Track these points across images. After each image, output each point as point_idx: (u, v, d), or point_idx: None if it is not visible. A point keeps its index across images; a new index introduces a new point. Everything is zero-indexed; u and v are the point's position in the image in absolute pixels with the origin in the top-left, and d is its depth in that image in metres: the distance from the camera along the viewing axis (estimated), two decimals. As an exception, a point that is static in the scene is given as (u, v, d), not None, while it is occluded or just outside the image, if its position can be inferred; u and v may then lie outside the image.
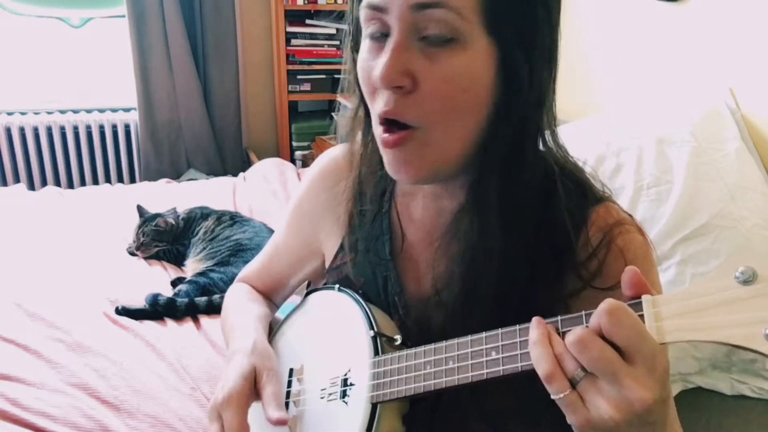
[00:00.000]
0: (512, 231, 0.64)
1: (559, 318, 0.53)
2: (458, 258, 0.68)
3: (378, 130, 0.64)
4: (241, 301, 0.93)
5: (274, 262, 0.96)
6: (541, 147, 0.67)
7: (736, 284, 0.46)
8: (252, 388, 0.72)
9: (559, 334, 0.52)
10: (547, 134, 0.67)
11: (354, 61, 0.69)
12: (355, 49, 0.69)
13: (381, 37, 0.62)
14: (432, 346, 0.62)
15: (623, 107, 2.09)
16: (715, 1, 1.75)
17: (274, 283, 0.96)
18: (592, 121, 1.86)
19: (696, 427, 1.38)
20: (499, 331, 0.57)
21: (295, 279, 0.95)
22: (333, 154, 0.87)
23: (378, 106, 0.63)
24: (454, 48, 0.59)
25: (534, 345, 0.51)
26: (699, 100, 1.71)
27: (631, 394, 0.46)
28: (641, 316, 0.49)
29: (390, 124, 0.63)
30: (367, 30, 0.64)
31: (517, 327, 0.56)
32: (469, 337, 0.59)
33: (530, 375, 0.54)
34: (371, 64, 0.63)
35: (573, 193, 0.68)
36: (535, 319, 0.53)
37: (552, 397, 0.50)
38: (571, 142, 0.71)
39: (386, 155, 0.65)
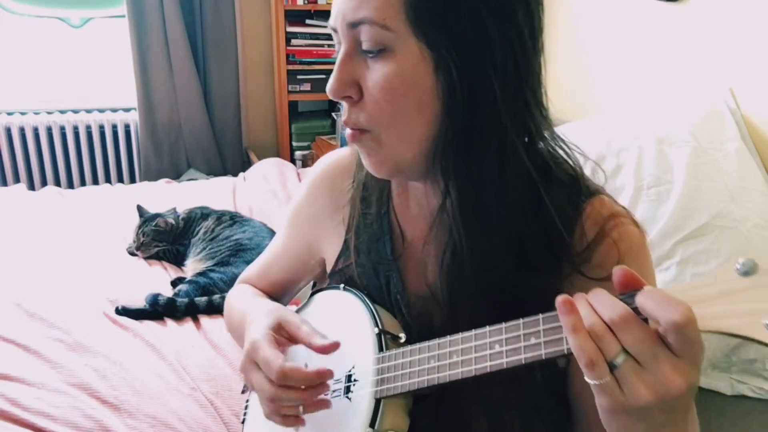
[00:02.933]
0: (489, 226, 0.65)
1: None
2: (440, 255, 0.68)
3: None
4: (246, 296, 0.93)
5: (274, 265, 0.96)
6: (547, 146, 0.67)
7: (736, 276, 0.47)
8: (280, 337, 0.73)
9: None
10: (535, 125, 0.66)
11: None
12: None
13: None
14: (436, 341, 0.63)
15: (623, 107, 2.09)
16: (715, 1, 1.75)
17: (274, 286, 0.96)
18: (592, 121, 1.86)
19: (696, 427, 1.38)
20: (503, 325, 0.57)
21: (295, 283, 0.95)
22: (331, 159, 0.88)
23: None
24: (385, 57, 0.62)
25: (574, 332, 0.50)
26: (699, 100, 1.71)
27: (668, 378, 0.46)
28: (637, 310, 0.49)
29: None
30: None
31: (521, 321, 0.56)
32: (473, 332, 0.59)
33: (533, 366, 0.54)
34: None
35: (567, 187, 0.68)
36: (564, 303, 0.51)
37: (589, 381, 0.49)
38: (571, 143, 0.71)
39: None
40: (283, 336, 0.73)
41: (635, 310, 0.49)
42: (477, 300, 0.66)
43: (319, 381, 0.68)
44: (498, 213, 0.64)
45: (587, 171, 0.73)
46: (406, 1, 0.59)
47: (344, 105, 0.66)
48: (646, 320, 0.49)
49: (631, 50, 2.07)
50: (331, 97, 0.65)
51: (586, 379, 0.49)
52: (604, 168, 1.58)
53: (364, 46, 0.62)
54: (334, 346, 0.69)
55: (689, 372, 0.47)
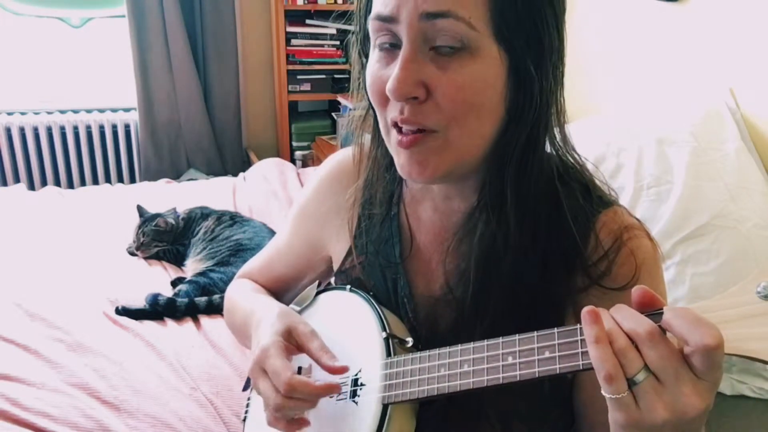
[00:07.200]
0: (524, 229, 0.65)
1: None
2: (470, 255, 0.68)
3: (392, 133, 0.65)
4: (249, 292, 0.92)
5: (276, 261, 0.95)
6: (548, 148, 0.68)
7: (757, 299, 0.46)
8: (288, 344, 0.72)
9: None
10: (557, 133, 0.67)
11: (362, 65, 0.69)
12: (364, 53, 0.69)
13: (391, 48, 0.62)
14: (446, 349, 0.62)
15: (623, 107, 2.09)
16: (715, 1, 1.75)
17: (276, 282, 0.95)
18: (592, 121, 1.86)
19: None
20: (516, 336, 0.56)
21: (298, 280, 0.94)
22: (341, 157, 0.86)
23: (391, 114, 0.63)
24: (464, 56, 0.59)
25: (596, 344, 0.48)
26: (699, 100, 1.71)
27: (687, 399, 0.46)
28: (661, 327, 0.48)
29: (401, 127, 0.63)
30: (376, 40, 0.64)
31: (535, 333, 0.55)
32: (485, 342, 0.59)
33: (545, 380, 0.54)
34: (381, 74, 0.63)
35: (579, 195, 0.68)
36: (589, 313, 0.50)
37: (605, 395, 0.49)
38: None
39: (400, 156, 0.65)
40: (293, 343, 0.72)
41: (660, 327, 0.48)
42: (498, 299, 0.65)
43: (325, 395, 0.67)
44: (525, 213, 0.65)
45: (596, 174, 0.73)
46: (492, 4, 0.58)
47: (398, 104, 0.62)
48: None
49: (631, 50, 2.07)
50: (394, 98, 0.61)
51: (603, 392, 0.48)
52: (604, 168, 1.59)
53: (441, 42, 0.59)
54: (342, 370, 0.68)
55: (707, 394, 0.47)
